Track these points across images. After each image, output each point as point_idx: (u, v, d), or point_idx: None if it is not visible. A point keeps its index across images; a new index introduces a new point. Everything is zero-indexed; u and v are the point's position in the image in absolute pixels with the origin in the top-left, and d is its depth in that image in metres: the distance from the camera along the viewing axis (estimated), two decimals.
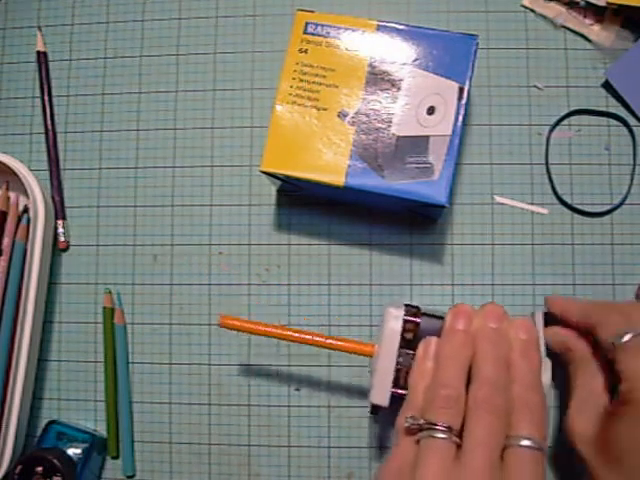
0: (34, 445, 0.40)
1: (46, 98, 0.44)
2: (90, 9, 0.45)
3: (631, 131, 0.40)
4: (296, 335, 0.34)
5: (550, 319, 0.35)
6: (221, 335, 0.41)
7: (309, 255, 0.41)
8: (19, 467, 0.37)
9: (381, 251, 0.41)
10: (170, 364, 0.41)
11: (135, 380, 0.41)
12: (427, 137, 0.35)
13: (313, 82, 0.36)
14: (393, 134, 0.35)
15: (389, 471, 0.28)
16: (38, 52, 0.44)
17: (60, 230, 0.42)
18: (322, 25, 0.36)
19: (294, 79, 0.36)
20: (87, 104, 0.44)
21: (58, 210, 0.43)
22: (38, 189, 0.40)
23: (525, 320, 0.31)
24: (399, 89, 0.35)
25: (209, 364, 0.41)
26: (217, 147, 0.43)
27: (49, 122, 0.43)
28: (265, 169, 0.36)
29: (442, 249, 0.41)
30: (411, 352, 0.31)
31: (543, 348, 0.33)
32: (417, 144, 0.35)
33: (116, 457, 0.41)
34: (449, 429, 0.27)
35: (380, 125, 0.35)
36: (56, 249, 0.43)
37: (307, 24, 0.36)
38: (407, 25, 0.36)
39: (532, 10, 0.42)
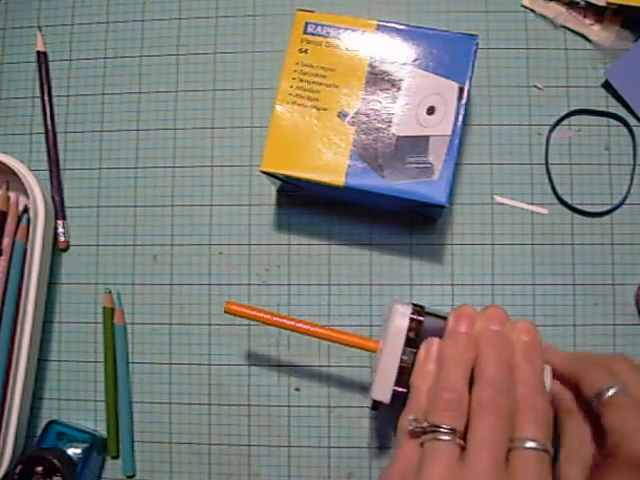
0: (34, 445, 0.40)
1: (46, 98, 0.44)
2: (90, 9, 0.45)
3: (631, 131, 0.40)
4: (302, 326, 0.33)
5: None
6: (221, 335, 0.41)
7: (309, 255, 0.41)
8: (19, 467, 0.37)
9: (381, 251, 0.41)
10: (170, 364, 0.41)
11: (135, 380, 0.41)
12: (427, 137, 0.35)
13: (313, 82, 0.36)
14: (393, 134, 0.35)
15: (393, 474, 0.28)
16: (38, 52, 0.44)
17: (60, 230, 0.42)
18: (322, 25, 0.36)
19: (294, 79, 0.36)
20: (87, 104, 0.44)
21: (58, 210, 0.43)
22: (38, 189, 0.40)
23: (527, 323, 0.30)
24: (399, 89, 0.35)
25: (209, 364, 0.41)
26: (217, 147, 0.43)
27: (49, 122, 0.43)
28: (265, 169, 0.36)
29: (442, 249, 0.41)
30: (414, 350, 0.31)
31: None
32: (417, 144, 0.35)
33: (116, 457, 0.41)
34: (453, 431, 0.27)
35: (380, 125, 0.35)
36: (56, 249, 0.43)
37: (307, 24, 0.36)
38: (407, 25, 0.36)
39: (532, 10, 0.42)
